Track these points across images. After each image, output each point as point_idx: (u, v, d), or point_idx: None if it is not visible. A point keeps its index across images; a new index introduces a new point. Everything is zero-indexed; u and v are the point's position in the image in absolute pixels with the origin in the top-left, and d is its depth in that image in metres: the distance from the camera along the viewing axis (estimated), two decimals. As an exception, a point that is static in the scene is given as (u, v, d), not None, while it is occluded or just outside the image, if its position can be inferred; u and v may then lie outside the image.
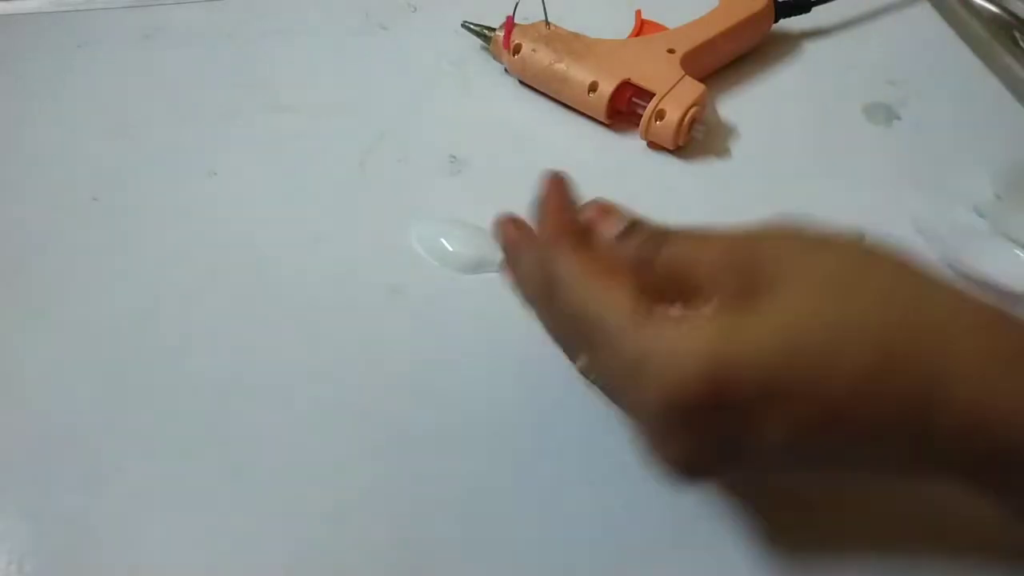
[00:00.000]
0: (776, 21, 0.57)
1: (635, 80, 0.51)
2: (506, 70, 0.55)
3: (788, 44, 0.59)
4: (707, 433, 0.25)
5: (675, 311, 0.26)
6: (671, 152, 0.50)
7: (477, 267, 0.44)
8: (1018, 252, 0.44)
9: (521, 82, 0.55)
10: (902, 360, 0.24)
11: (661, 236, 0.30)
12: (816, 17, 0.59)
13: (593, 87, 0.51)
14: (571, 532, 0.35)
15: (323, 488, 0.37)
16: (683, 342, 0.24)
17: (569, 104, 0.53)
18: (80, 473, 0.37)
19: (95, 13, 0.60)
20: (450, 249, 0.45)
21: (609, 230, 0.30)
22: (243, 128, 0.52)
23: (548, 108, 0.54)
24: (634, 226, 0.30)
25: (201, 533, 0.35)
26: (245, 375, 0.40)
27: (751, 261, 0.27)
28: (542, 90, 0.54)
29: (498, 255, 0.44)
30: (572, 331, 0.30)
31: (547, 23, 0.54)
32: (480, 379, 0.39)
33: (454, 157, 0.51)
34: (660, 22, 0.56)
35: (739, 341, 0.24)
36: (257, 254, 0.45)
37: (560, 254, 0.29)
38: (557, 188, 0.33)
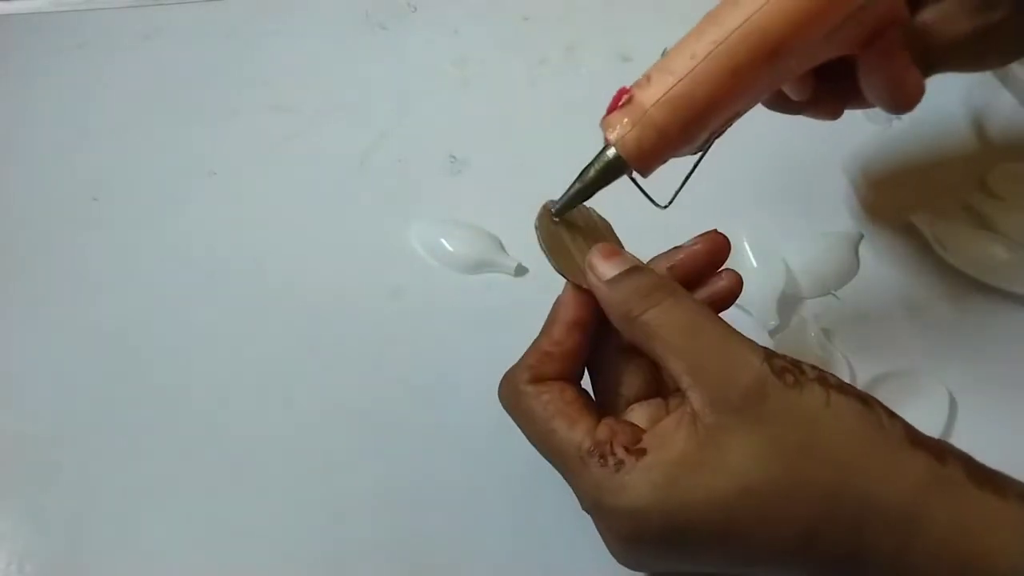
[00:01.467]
0: None
1: None
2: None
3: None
4: (655, 561, 0.29)
5: (621, 451, 0.27)
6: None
7: (477, 267, 0.44)
8: (1018, 252, 0.44)
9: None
10: (834, 525, 0.26)
11: (655, 295, 0.29)
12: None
13: None
14: (572, 531, 0.35)
15: (323, 488, 0.37)
16: (636, 490, 0.27)
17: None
18: (80, 473, 0.37)
19: (95, 13, 0.60)
20: (450, 249, 0.45)
21: (605, 272, 0.29)
22: (243, 128, 0.52)
23: (552, 107, 0.54)
24: (631, 272, 0.29)
25: (201, 533, 0.35)
26: (245, 375, 0.40)
27: (727, 381, 0.27)
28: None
29: (498, 255, 0.45)
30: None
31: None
32: (480, 379, 0.39)
33: (454, 157, 0.51)
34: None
35: (689, 488, 0.26)
36: (257, 254, 0.45)
37: (523, 393, 0.30)
38: (562, 318, 0.31)
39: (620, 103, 0.30)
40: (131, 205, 0.48)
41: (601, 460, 0.28)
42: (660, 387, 0.32)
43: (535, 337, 0.32)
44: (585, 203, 0.32)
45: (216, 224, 0.47)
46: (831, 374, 0.28)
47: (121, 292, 0.43)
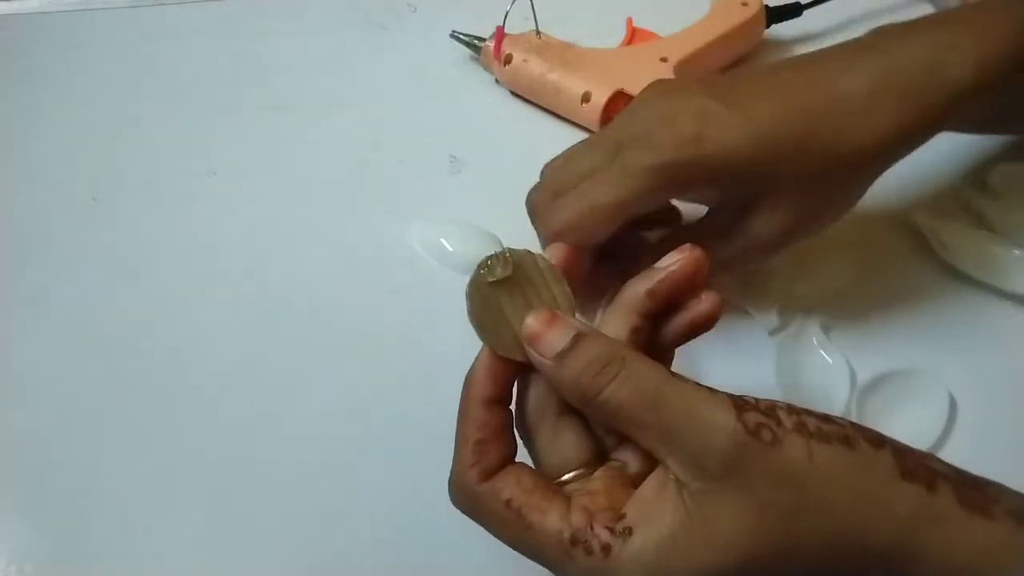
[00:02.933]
0: (768, 27, 0.57)
1: (628, 90, 0.50)
2: (496, 81, 0.55)
3: (780, 50, 0.58)
4: None
5: (605, 534, 0.26)
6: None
7: (477, 267, 0.44)
8: (1018, 252, 0.43)
9: (512, 93, 0.55)
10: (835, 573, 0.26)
11: (609, 369, 0.27)
12: (807, 22, 0.58)
13: (586, 97, 0.50)
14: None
15: (323, 487, 0.37)
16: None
17: (562, 115, 0.53)
18: (80, 473, 0.37)
19: (95, 13, 0.60)
20: (450, 249, 0.45)
21: (550, 348, 0.27)
22: (243, 128, 0.52)
23: (544, 111, 0.54)
24: (578, 344, 0.27)
25: (200, 533, 0.35)
26: (244, 375, 0.40)
27: (702, 449, 0.25)
28: (534, 101, 0.54)
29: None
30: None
31: (538, 32, 0.54)
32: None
33: (454, 157, 0.51)
34: (651, 30, 0.55)
35: (684, 567, 0.25)
36: (257, 254, 0.45)
37: (475, 499, 0.28)
38: (476, 397, 0.29)
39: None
40: (131, 205, 0.48)
41: (586, 548, 0.26)
42: (598, 442, 0.30)
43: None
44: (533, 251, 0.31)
45: (216, 224, 0.47)
46: (807, 414, 0.26)
47: (121, 292, 0.43)
